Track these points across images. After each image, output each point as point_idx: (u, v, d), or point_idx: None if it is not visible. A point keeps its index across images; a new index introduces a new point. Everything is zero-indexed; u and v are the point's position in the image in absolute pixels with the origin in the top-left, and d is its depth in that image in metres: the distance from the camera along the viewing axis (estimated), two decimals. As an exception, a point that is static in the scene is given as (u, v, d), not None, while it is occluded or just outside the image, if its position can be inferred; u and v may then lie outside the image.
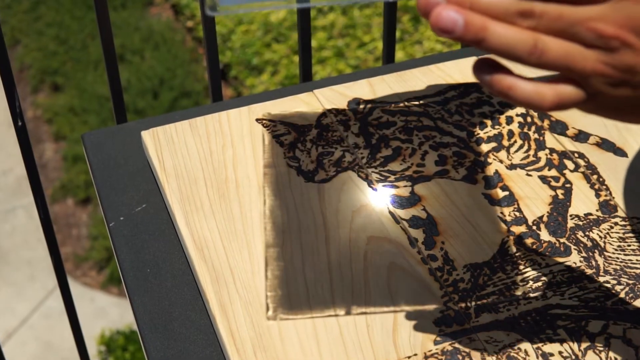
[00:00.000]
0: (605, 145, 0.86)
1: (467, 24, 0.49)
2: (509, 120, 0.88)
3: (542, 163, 0.84)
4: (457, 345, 0.68)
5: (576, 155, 0.85)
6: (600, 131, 0.87)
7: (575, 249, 0.76)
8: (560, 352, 0.68)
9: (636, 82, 0.51)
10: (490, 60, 0.51)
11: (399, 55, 2.87)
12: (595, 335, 0.69)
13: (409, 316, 0.70)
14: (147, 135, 0.87)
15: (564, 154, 0.85)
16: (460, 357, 0.68)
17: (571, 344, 0.68)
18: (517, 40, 0.50)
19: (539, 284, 0.73)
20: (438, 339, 0.69)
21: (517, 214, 0.79)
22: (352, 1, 0.54)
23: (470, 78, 0.94)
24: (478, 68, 0.51)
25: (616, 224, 0.78)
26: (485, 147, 0.86)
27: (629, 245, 0.76)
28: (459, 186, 0.82)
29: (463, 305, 0.71)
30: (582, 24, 0.50)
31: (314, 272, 0.74)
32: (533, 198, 0.80)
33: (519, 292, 0.72)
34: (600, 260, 0.75)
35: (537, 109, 0.51)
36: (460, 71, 0.95)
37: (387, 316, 0.70)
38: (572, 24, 0.50)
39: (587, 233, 0.77)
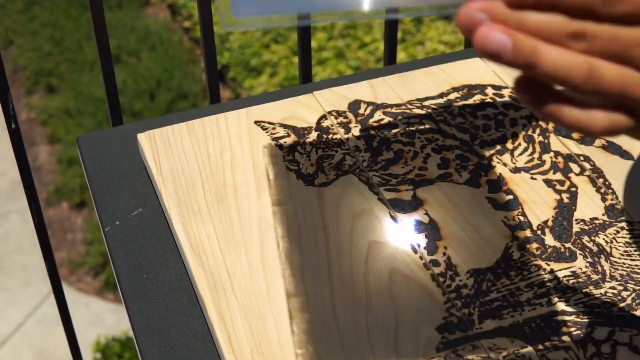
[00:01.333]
0: (612, 148, 0.86)
1: (516, 47, 0.45)
2: (513, 123, 0.88)
3: (547, 166, 0.84)
4: (460, 352, 0.68)
5: (582, 158, 0.85)
6: (606, 134, 0.87)
7: (580, 254, 0.76)
8: (565, 360, 0.68)
9: None
10: (532, 79, 0.48)
11: (401, 56, 2.87)
12: (601, 342, 0.69)
13: (411, 323, 0.70)
14: (143, 138, 0.87)
15: (569, 157, 0.85)
16: (464, 365, 0.68)
17: (577, 351, 0.68)
18: (571, 66, 0.46)
19: (544, 289, 0.73)
20: (441, 346, 0.69)
21: (522, 218, 0.79)
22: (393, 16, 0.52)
23: (473, 80, 0.94)
24: (520, 87, 0.48)
25: (622, 228, 0.78)
26: (488, 150, 0.85)
27: (635, 251, 0.76)
28: (462, 190, 0.82)
29: (466, 311, 0.71)
30: (638, 46, 0.47)
31: (313, 278, 0.74)
32: (538, 202, 0.80)
33: (523, 298, 0.72)
34: (607, 266, 0.75)
35: (585, 133, 0.48)
36: (463, 72, 0.95)
37: (389, 322, 0.70)
38: (628, 47, 0.47)
39: (592, 238, 0.77)
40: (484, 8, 0.46)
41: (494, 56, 0.45)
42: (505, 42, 0.45)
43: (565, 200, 0.81)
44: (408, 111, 0.89)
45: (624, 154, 0.85)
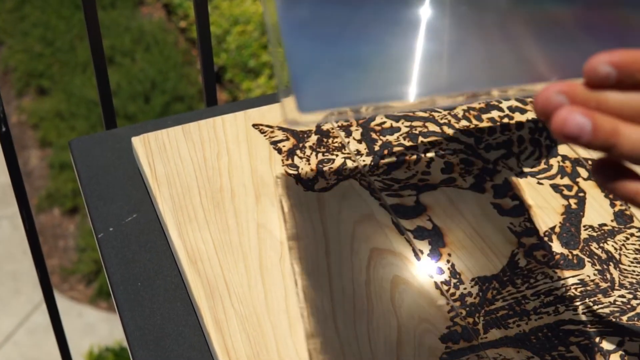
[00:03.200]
0: (621, 152, 0.86)
1: (596, 129, 0.45)
2: (519, 126, 0.88)
3: (554, 171, 0.84)
4: (464, 362, 0.68)
5: (590, 162, 0.85)
6: (615, 137, 0.87)
7: (589, 262, 0.76)
8: (573, 370, 0.68)
9: None
10: (611, 161, 0.48)
11: (403, 57, 2.86)
12: (610, 352, 0.69)
13: (414, 332, 0.70)
14: (137, 142, 0.87)
15: (577, 161, 0.85)
16: (468, 376, 0.68)
17: (585, 361, 0.68)
18: None
19: (551, 298, 0.73)
20: (444, 356, 0.69)
21: (528, 224, 0.79)
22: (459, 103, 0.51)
23: (478, 81, 0.94)
24: (599, 171, 0.48)
25: (632, 235, 0.78)
26: (494, 154, 0.86)
27: (645, 258, 0.76)
28: (467, 195, 0.82)
29: (471, 320, 0.71)
30: None
31: (313, 286, 0.74)
32: (544, 208, 0.80)
33: (529, 307, 0.72)
34: (616, 273, 0.75)
35: None
36: (467, 74, 0.95)
37: (391, 332, 0.70)
38: None
39: (601, 244, 0.77)
40: (564, 90, 0.46)
41: (573, 139, 0.45)
42: (585, 124, 0.45)
43: (573, 206, 0.81)
44: (411, 114, 0.90)
45: (634, 158, 0.85)
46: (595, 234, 0.78)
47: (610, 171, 0.48)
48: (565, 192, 0.82)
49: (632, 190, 0.47)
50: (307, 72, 0.49)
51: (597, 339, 0.70)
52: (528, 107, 0.90)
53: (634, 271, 0.75)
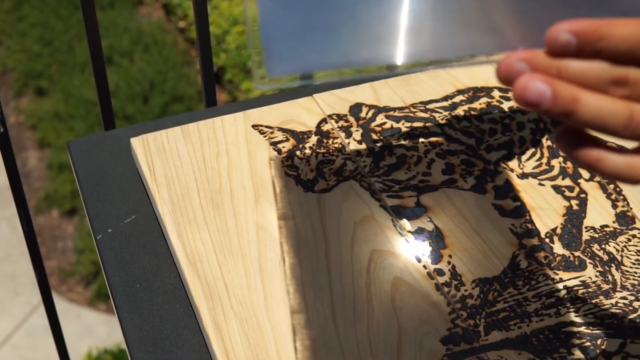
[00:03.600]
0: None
1: (556, 95, 0.46)
2: (521, 127, 0.88)
3: (555, 172, 0.84)
4: (465, 365, 0.69)
5: (591, 163, 0.85)
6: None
7: (590, 263, 0.76)
8: (575, 373, 0.68)
9: None
10: (573, 128, 0.49)
11: (404, 57, 2.86)
12: (612, 354, 0.69)
13: (415, 334, 0.70)
14: (136, 143, 0.87)
15: (578, 162, 0.85)
16: (469, 378, 0.68)
17: (586, 363, 0.68)
18: (611, 112, 0.47)
19: (552, 300, 0.73)
20: (445, 358, 0.69)
21: (529, 225, 0.79)
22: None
23: (479, 82, 0.94)
24: (561, 138, 0.49)
25: (634, 236, 0.78)
26: (495, 155, 0.86)
27: (647, 259, 0.76)
28: (468, 196, 0.82)
29: (472, 322, 0.71)
30: None
31: (313, 288, 0.74)
32: (546, 209, 0.81)
33: (531, 309, 0.72)
34: (617, 275, 0.75)
35: (627, 182, 0.49)
36: (468, 75, 0.95)
37: (391, 334, 0.70)
38: None
39: (603, 246, 0.77)
40: (525, 58, 0.47)
41: (534, 105, 0.46)
42: (545, 91, 0.46)
43: (575, 207, 0.81)
44: (411, 115, 0.90)
45: (636, 159, 0.85)
46: (597, 235, 0.78)
47: (572, 139, 0.49)
48: (567, 193, 0.82)
49: (593, 157, 0.48)
50: (277, 36, 0.50)
51: (599, 341, 0.70)
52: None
53: (635, 273, 0.75)
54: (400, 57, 0.50)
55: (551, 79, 0.46)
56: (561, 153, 0.86)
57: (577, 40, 0.47)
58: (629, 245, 0.77)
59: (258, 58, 0.50)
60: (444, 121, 0.89)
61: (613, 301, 0.73)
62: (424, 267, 0.75)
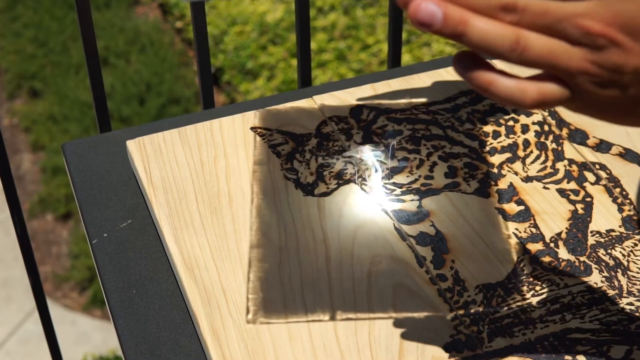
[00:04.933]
0: (629, 155, 0.86)
1: (446, 17, 0.50)
2: (525, 129, 0.88)
3: (560, 175, 0.84)
4: (468, 372, 0.69)
5: (597, 166, 0.85)
6: (623, 140, 0.87)
7: (596, 268, 0.76)
8: (580, 380, 0.68)
9: (624, 83, 0.52)
10: (471, 54, 0.53)
11: (406, 58, 2.87)
12: (618, 361, 0.69)
13: (417, 341, 0.70)
14: (132, 145, 0.87)
15: (584, 166, 0.85)
16: (472, 386, 0.68)
17: (592, 371, 0.68)
18: (498, 36, 0.51)
19: (557, 306, 0.73)
20: (448, 365, 0.69)
21: (534, 230, 0.79)
22: None
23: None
24: (458, 61, 0.53)
25: (641, 241, 0.78)
26: (498, 158, 0.86)
27: (654, 264, 0.76)
28: (471, 200, 0.82)
29: (475, 329, 0.71)
30: (568, 20, 0.51)
31: (313, 294, 0.74)
32: (550, 213, 0.81)
33: (535, 315, 0.72)
34: (624, 280, 0.75)
35: (518, 105, 0.53)
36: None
37: (393, 341, 0.70)
38: (558, 20, 0.51)
39: (609, 251, 0.77)
40: None
41: (425, 26, 0.50)
42: (436, 12, 0.50)
43: (580, 211, 0.81)
44: (413, 117, 0.90)
45: (642, 162, 0.85)
46: (602, 240, 0.78)
47: (468, 62, 0.53)
48: (572, 197, 0.82)
49: (486, 79, 0.52)
50: None
51: (605, 348, 0.70)
52: (533, 110, 0.90)
53: (642, 278, 0.75)
54: None
55: (443, 2, 0.50)
56: (565, 155, 0.86)
57: None
58: (636, 250, 0.77)
59: None
60: (446, 123, 0.89)
61: (619, 307, 0.73)
62: (426, 272, 0.75)
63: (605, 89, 0.53)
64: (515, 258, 0.77)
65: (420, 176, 0.84)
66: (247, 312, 0.72)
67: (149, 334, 0.74)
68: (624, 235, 0.79)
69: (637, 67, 0.51)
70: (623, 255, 0.77)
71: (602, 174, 0.84)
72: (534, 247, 0.78)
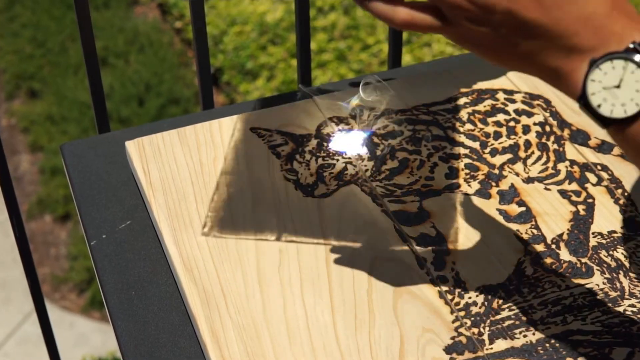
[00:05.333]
0: (631, 156, 0.86)
1: None
2: (526, 130, 0.88)
3: (561, 176, 0.84)
4: (469, 374, 0.69)
5: (599, 167, 0.85)
6: (625, 141, 0.87)
7: (598, 270, 0.76)
8: (582, 382, 0.68)
9: (496, 22, 0.56)
10: None
11: (406, 58, 2.87)
12: (620, 363, 0.69)
13: (417, 342, 0.70)
14: (131, 146, 0.87)
15: (585, 166, 0.85)
16: (473, 388, 0.68)
17: (594, 373, 0.68)
18: None
19: (559, 307, 0.73)
20: (449, 367, 0.69)
21: (535, 231, 0.79)
22: None
23: (484, 84, 0.94)
24: None
25: (642, 242, 0.78)
26: (500, 159, 0.86)
27: (656, 266, 0.76)
28: (472, 201, 0.82)
29: (476, 330, 0.71)
30: None
31: (313, 296, 0.74)
32: (552, 214, 0.81)
33: (536, 317, 0.72)
34: (626, 282, 0.75)
35: (388, 22, 0.58)
36: (472, 76, 0.95)
37: (394, 343, 0.70)
38: None
39: (610, 252, 0.77)
40: None
41: None
42: None
43: (582, 212, 0.81)
44: (414, 117, 0.90)
45: (644, 163, 0.85)
46: (604, 241, 0.78)
47: None
48: (574, 198, 0.82)
49: (383, 10, 0.58)
50: None
51: (607, 350, 0.70)
52: (535, 110, 0.90)
53: (644, 280, 0.75)
54: None
55: None
56: (567, 156, 0.86)
57: None
58: (638, 252, 0.77)
59: None
60: (447, 124, 0.89)
61: (621, 309, 0.73)
62: (427, 273, 0.75)
63: (478, 26, 0.57)
64: (516, 260, 0.77)
65: (420, 177, 0.84)
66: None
67: (148, 335, 0.74)
68: (626, 236, 0.79)
69: (507, 8, 0.55)
70: (625, 256, 0.77)
71: (604, 174, 0.84)
72: (535, 248, 0.78)
